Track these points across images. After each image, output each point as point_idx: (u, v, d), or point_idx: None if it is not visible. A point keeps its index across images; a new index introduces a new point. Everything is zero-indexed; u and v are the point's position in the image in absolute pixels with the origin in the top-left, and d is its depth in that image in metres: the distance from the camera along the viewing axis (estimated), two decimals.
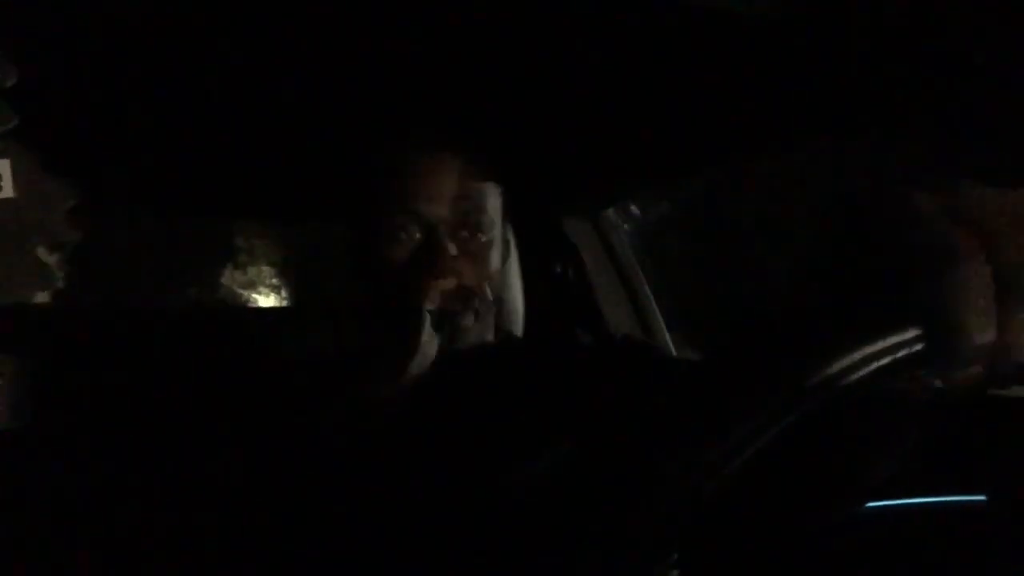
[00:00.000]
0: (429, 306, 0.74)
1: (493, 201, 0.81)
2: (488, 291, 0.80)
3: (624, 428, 0.38)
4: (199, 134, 1.00)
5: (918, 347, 0.32)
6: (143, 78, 0.81)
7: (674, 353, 1.44)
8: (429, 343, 0.78)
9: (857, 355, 0.31)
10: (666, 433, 0.34)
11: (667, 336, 1.42)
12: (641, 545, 0.33)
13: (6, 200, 0.20)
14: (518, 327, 1.14)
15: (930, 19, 0.60)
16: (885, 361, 0.32)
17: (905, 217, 0.34)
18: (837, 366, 0.31)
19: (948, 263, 0.31)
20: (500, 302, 0.84)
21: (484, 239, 0.79)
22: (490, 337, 0.84)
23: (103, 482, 1.02)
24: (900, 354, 0.32)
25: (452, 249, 0.75)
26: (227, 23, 0.69)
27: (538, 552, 0.35)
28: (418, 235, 0.76)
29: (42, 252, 0.19)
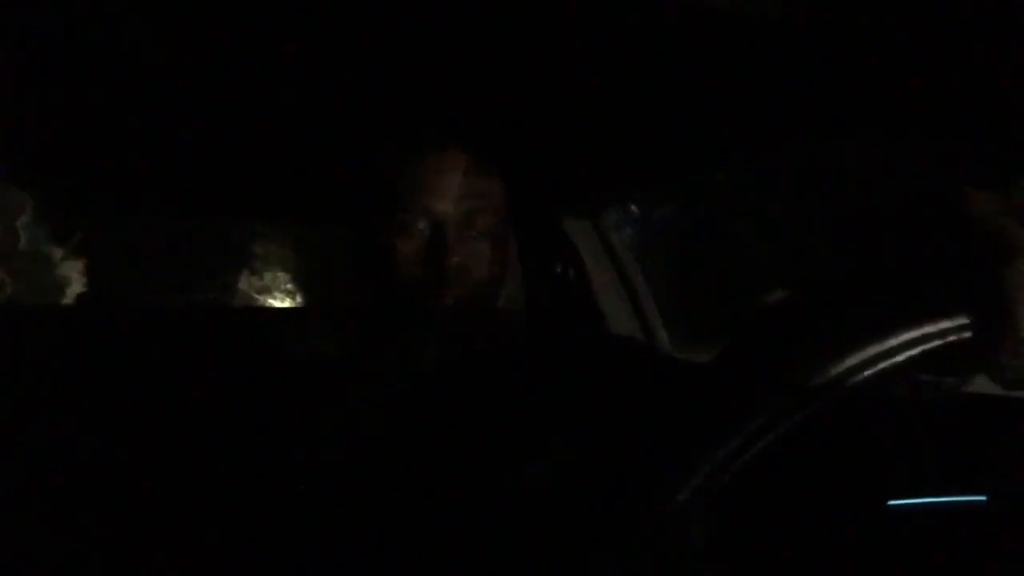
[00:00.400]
0: (436, 303, 0.75)
1: (499, 199, 0.82)
2: (493, 288, 0.80)
3: (624, 428, 0.38)
4: (198, 132, 1.01)
5: (966, 335, 0.32)
6: (126, 74, 0.81)
7: (674, 353, 1.44)
8: (434, 341, 0.78)
9: (907, 336, 0.32)
10: (666, 433, 0.34)
11: (667, 336, 1.42)
12: (643, 545, 0.33)
13: None
14: (518, 327, 1.14)
15: (929, 19, 0.60)
16: (932, 345, 0.32)
17: (965, 211, 0.35)
18: (886, 346, 0.31)
19: (1006, 257, 0.32)
20: (501, 301, 0.85)
21: (490, 236, 0.80)
22: (492, 335, 0.84)
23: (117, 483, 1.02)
24: (948, 339, 0.32)
25: (459, 245, 0.76)
26: (229, 20, 0.69)
27: (538, 552, 0.35)
28: (426, 231, 0.76)
29: None
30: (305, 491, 0.73)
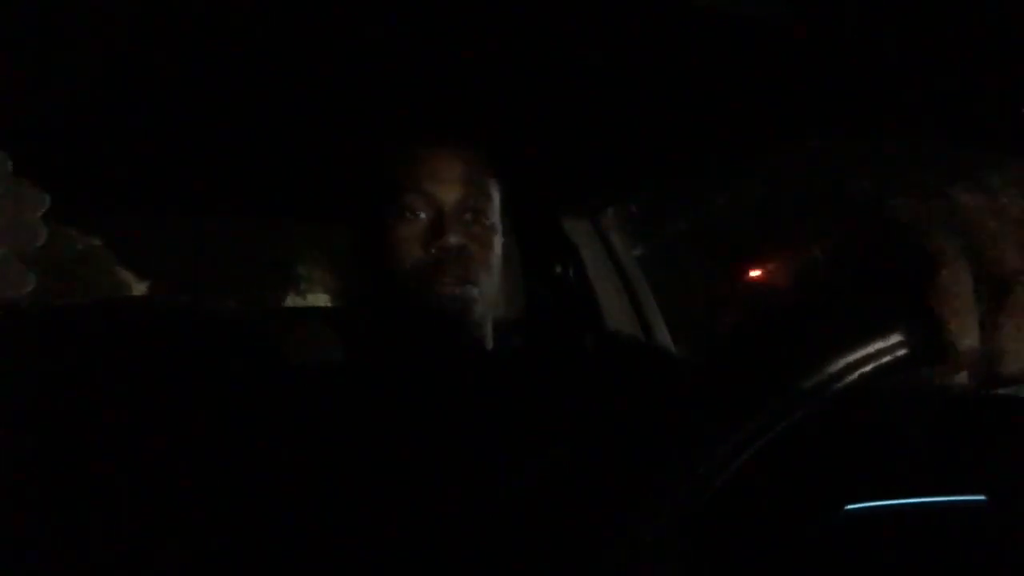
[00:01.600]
0: (435, 289, 0.76)
1: (495, 188, 0.83)
2: (491, 275, 0.81)
3: (624, 428, 0.37)
4: (197, 129, 1.01)
5: (901, 353, 0.32)
6: (128, 72, 0.81)
7: (674, 353, 1.43)
8: (432, 330, 0.79)
9: (842, 362, 0.31)
10: (666, 433, 0.33)
11: (667, 336, 1.42)
12: (641, 546, 0.33)
13: None
14: (518, 326, 1.14)
15: (929, 19, 0.60)
16: (868, 368, 0.31)
17: (890, 222, 0.34)
18: (824, 373, 0.31)
19: (932, 269, 0.31)
20: (499, 297, 0.85)
21: (488, 223, 0.81)
22: (490, 328, 0.85)
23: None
24: (884, 360, 0.32)
25: (458, 228, 0.77)
26: (225, 19, 0.70)
27: (537, 553, 0.35)
28: (424, 215, 0.78)
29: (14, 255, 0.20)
30: (306, 491, 0.73)
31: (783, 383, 0.32)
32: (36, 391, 1.14)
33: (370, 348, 0.89)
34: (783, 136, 0.95)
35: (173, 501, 0.92)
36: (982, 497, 0.68)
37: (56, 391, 1.16)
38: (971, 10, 0.57)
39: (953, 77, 0.66)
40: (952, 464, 0.79)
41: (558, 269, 1.40)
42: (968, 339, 0.31)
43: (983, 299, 0.31)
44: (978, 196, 0.34)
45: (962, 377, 0.32)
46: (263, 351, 1.10)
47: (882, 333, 0.32)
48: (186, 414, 1.10)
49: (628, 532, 0.32)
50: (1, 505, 0.84)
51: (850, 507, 0.70)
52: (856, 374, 0.31)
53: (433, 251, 0.77)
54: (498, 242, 0.83)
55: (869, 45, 0.66)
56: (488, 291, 0.81)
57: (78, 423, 1.15)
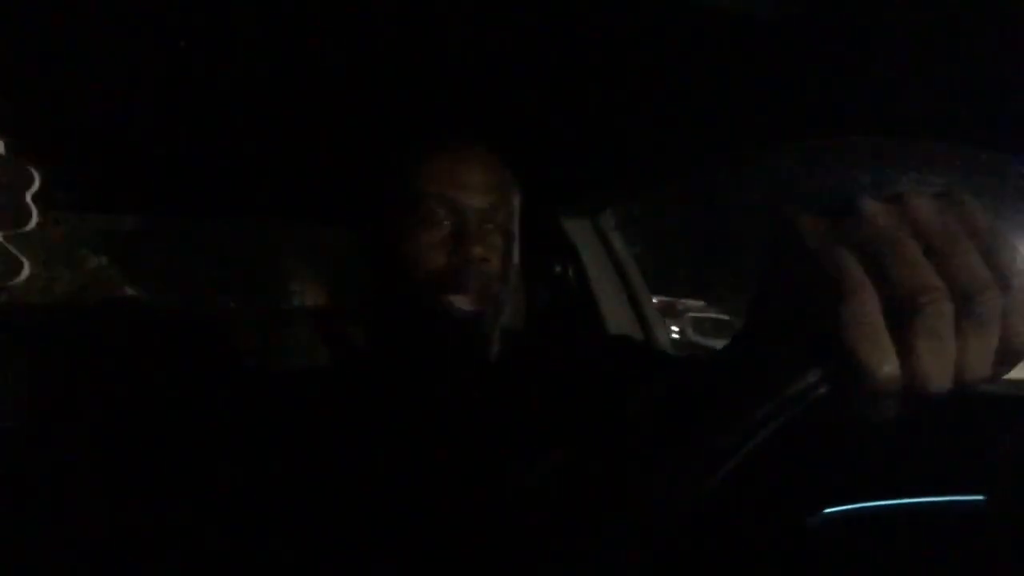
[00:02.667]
0: (454, 297, 0.75)
1: (517, 197, 0.82)
2: (508, 285, 0.80)
3: (623, 428, 0.37)
4: (207, 127, 1.01)
5: (823, 389, 0.31)
6: (136, 72, 0.81)
7: (673, 353, 1.43)
8: (445, 339, 0.78)
9: (767, 408, 0.31)
10: (665, 433, 0.33)
11: (667, 336, 1.42)
12: (639, 545, 0.33)
13: None
14: (518, 327, 1.14)
15: (929, 19, 0.60)
16: (796, 409, 0.31)
17: (796, 245, 0.31)
18: (753, 418, 0.31)
19: (839, 296, 0.29)
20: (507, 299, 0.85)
21: (508, 232, 0.80)
22: (497, 333, 0.84)
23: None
24: (809, 398, 0.31)
25: (481, 237, 0.76)
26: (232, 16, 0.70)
27: (536, 553, 0.35)
28: (447, 223, 0.77)
29: (3, 238, 0.19)
30: (304, 493, 0.73)
31: (726, 422, 0.31)
32: (36, 391, 1.15)
33: (374, 351, 0.89)
34: (783, 136, 0.95)
35: (171, 503, 0.92)
36: (981, 497, 0.68)
37: (53, 389, 1.16)
38: (971, 10, 0.57)
39: (954, 77, 0.66)
40: (952, 464, 0.79)
41: (558, 269, 1.40)
42: (886, 366, 0.29)
43: (893, 323, 0.29)
44: (885, 207, 0.31)
45: (889, 402, 0.30)
46: (266, 353, 1.10)
47: (801, 371, 0.31)
48: (187, 417, 1.09)
49: (625, 532, 0.32)
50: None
51: (848, 507, 0.70)
52: (785, 414, 0.31)
53: (455, 260, 0.75)
54: (516, 252, 0.82)
55: (869, 44, 0.66)
56: (504, 302, 0.80)
57: (77, 423, 1.15)
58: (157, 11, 0.67)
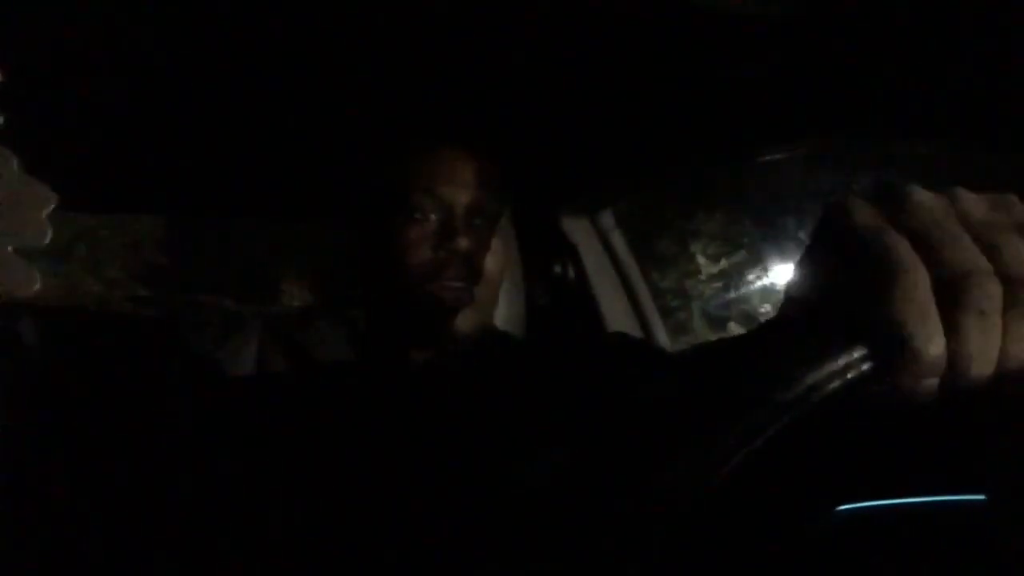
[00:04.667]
0: (440, 288, 0.76)
1: (502, 188, 0.83)
2: (495, 277, 0.81)
3: (623, 428, 0.37)
4: (194, 127, 1.01)
5: (866, 367, 0.31)
6: (126, 72, 0.81)
7: (673, 353, 1.43)
8: (433, 330, 0.79)
9: (806, 383, 0.31)
10: (664, 432, 0.33)
11: (666, 336, 1.42)
12: (638, 545, 0.33)
13: None
14: (518, 326, 1.14)
15: (929, 19, 0.60)
16: (836, 385, 0.31)
17: (845, 228, 0.32)
18: (790, 394, 0.30)
19: (891, 275, 0.30)
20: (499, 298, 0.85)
21: (496, 226, 0.81)
22: (491, 328, 0.85)
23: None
24: (850, 376, 0.31)
25: (467, 231, 0.77)
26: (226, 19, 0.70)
27: (536, 552, 0.35)
28: (434, 217, 0.77)
29: (18, 253, 0.20)
30: (304, 491, 0.73)
31: (757, 401, 0.31)
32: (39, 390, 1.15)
33: (368, 348, 0.89)
34: (783, 136, 0.95)
35: (169, 504, 0.92)
36: (982, 497, 0.68)
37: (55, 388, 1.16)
38: (971, 9, 0.57)
39: (954, 77, 0.66)
40: (952, 464, 0.79)
41: (558, 269, 1.40)
42: (933, 346, 0.30)
43: (942, 302, 0.30)
44: (934, 196, 0.32)
45: (932, 384, 0.31)
46: (261, 351, 1.10)
47: (846, 347, 0.31)
48: (182, 415, 1.09)
49: (627, 532, 0.32)
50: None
51: (845, 507, 0.70)
52: (825, 391, 0.31)
53: (442, 253, 0.76)
54: (504, 245, 0.83)
55: (869, 44, 0.66)
56: (492, 293, 0.81)
57: (78, 422, 1.15)
58: (151, 13, 0.67)
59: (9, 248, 0.22)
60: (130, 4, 0.64)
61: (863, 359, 0.31)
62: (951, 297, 0.30)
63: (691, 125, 0.98)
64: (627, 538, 0.33)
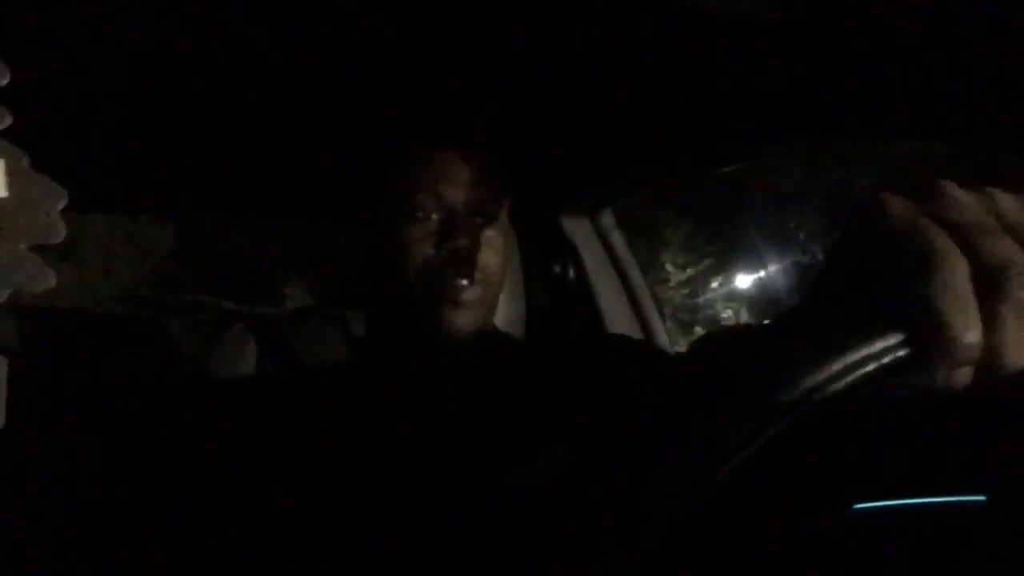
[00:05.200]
0: (442, 287, 0.76)
1: (505, 190, 0.83)
2: (497, 277, 0.81)
3: (623, 428, 0.38)
4: (196, 127, 1.01)
5: (903, 352, 0.31)
6: (139, 77, 0.81)
7: (672, 353, 1.43)
8: (434, 330, 0.79)
9: (844, 361, 0.31)
10: (664, 432, 0.34)
11: (666, 336, 1.43)
12: (638, 545, 0.33)
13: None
14: (518, 326, 1.14)
15: (929, 19, 0.60)
16: (871, 368, 0.31)
17: (883, 219, 0.33)
18: (826, 372, 0.31)
19: (931, 265, 0.31)
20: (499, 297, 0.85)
21: (497, 225, 0.81)
22: (492, 328, 0.85)
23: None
24: (886, 359, 0.31)
25: (468, 230, 0.77)
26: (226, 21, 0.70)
27: (535, 552, 0.35)
28: (435, 216, 0.78)
29: (32, 251, 0.20)
30: (304, 493, 0.73)
31: (784, 382, 0.31)
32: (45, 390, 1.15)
33: (368, 348, 0.89)
34: (782, 136, 0.95)
35: (164, 505, 0.92)
36: (982, 497, 0.68)
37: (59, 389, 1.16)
38: (971, 9, 0.58)
39: (954, 77, 0.66)
40: (952, 464, 0.79)
41: (558, 269, 1.40)
42: (971, 334, 0.30)
43: (980, 292, 0.30)
44: (969, 190, 0.33)
45: (966, 373, 0.31)
46: (260, 352, 1.10)
47: (884, 332, 0.31)
48: (183, 415, 1.09)
49: (628, 531, 0.32)
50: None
51: (854, 507, 0.70)
52: (859, 373, 0.31)
53: (443, 252, 0.77)
54: (505, 245, 0.83)
55: (869, 43, 0.66)
56: (492, 292, 0.81)
57: (74, 422, 1.15)
58: (152, 15, 0.67)
59: (23, 245, 0.22)
60: (139, 3, 0.64)
61: (900, 344, 0.31)
62: (989, 288, 0.30)
63: (691, 125, 0.98)
64: (627, 538, 0.33)
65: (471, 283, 0.78)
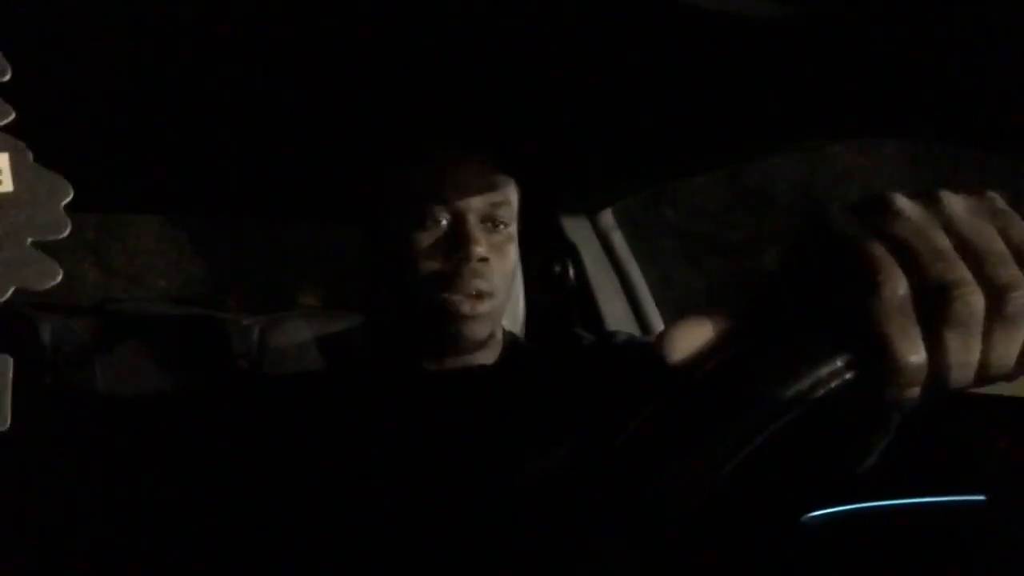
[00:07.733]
0: (453, 296, 0.75)
1: (515, 196, 0.83)
2: (507, 284, 0.81)
3: (622, 427, 0.38)
4: (206, 128, 1.01)
5: (849, 375, 0.31)
6: (142, 73, 0.81)
7: None
8: (444, 338, 0.78)
9: (791, 391, 0.31)
10: (664, 432, 0.34)
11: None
12: (638, 545, 0.33)
13: (4, 195, 0.20)
14: (518, 327, 1.14)
15: (930, 19, 0.60)
16: (819, 394, 0.31)
17: (827, 237, 0.32)
18: (774, 402, 0.31)
19: (874, 285, 0.30)
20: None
21: (507, 232, 0.80)
22: (499, 332, 0.85)
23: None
24: (834, 384, 0.31)
25: (482, 238, 0.76)
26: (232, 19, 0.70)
27: (535, 552, 0.35)
28: (446, 223, 0.77)
29: (38, 246, 0.20)
30: (307, 492, 0.73)
31: (740, 414, 0.31)
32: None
33: (378, 352, 0.89)
34: (783, 136, 0.95)
35: (175, 504, 0.92)
36: (982, 497, 0.68)
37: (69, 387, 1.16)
38: (971, 8, 0.58)
39: (954, 76, 0.66)
40: (952, 464, 0.79)
41: (557, 269, 1.40)
42: (914, 356, 0.29)
43: (923, 313, 0.30)
44: (917, 203, 0.32)
45: (913, 391, 0.31)
46: (265, 354, 1.10)
47: (830, 356, 0.31)
48: (190, 416, 1.09)
49: (626, 531, 0.32)
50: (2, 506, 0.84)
51: (847, 507, 0.70)
52: (809, 400, 0.31)
53: (454, 261, 0.75)
54: (515, 251, 0.82)
55: (869, 43, 0.66)
56: (502, 300, 0.80)
57: (85, 421, 1.15)
58: (155, 14, 0.67)
59: (29, 241, 0.22)
60: (147, 2, 0.64)
61: (846, 367, 0.31)
62: (932, 308, 0.29)
63: (690, 125, 0.98)
64: (627, 538, 0.33)
65: (482, 295, 0.76)
